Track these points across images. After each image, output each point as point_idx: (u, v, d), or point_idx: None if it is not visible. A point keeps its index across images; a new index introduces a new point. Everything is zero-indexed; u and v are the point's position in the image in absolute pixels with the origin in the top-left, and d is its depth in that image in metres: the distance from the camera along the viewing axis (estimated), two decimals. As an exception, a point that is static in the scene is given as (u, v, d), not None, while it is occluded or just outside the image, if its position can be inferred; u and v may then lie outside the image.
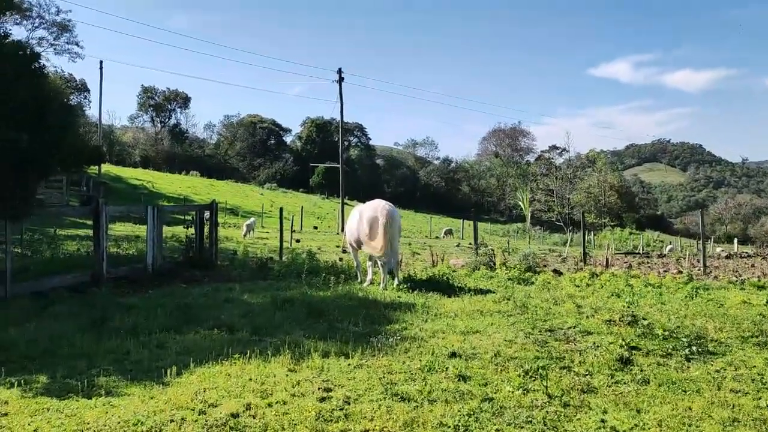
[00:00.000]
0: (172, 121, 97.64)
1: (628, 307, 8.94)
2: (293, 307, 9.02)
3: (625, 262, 22.30)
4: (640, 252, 35.60)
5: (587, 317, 8.36)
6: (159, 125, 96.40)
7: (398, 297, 10.27)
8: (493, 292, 10.78)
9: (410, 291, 11.04)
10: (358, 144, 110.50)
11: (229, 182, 77.10)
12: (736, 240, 45.54)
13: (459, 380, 5.58)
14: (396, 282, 11.65)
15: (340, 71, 40.80)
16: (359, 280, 12.71)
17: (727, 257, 32.36)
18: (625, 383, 5.53)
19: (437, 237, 44.62)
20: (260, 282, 12.65)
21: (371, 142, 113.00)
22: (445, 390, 5.28)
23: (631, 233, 62.53)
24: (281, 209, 17.14)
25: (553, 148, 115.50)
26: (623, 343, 6.64)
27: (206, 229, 15.45)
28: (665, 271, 16.75)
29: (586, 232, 49.17)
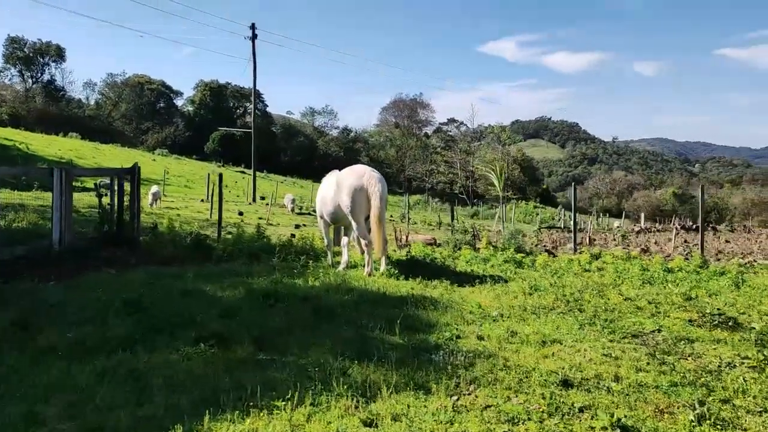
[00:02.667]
0: (46, 77, 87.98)
1: (689, 300, 7.60)
2: (286, 305, 6.86)
3: (566, 239, 21.65)
4: (562, 227, 35.75)
5: (662, 316, 6.89)
6: (30, 81, 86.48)
7: (403, 287, 8.34)
8: (511, 280, 9.16)
9: (404, 278, 9.17)
10: (256, 111, 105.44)
11: (115, 146, 70.48)
12: (642, 215, 47.26)
13: (622, 432, 3.82)
14: (383, 266, 9.71)
15: (253, 27, 37.07)
16: (329, 262, 10.64)
17: (638, 232, 33.06)
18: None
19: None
20: (208, 265, 10.25)
21: (268, 109, 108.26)
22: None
23: (535, 206, 63.93)
24: (220, 176, 14.49)
25: (452, 120, 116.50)
26: (762, 358, 5.17)
27: (118, 200, 12.62)
28: (623, 248, 15.97)
29: (505, 206, 49.25)
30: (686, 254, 13.95)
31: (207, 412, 3.89)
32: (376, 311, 6.79)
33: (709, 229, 37.85)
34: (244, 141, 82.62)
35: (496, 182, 14.20)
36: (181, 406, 4.12)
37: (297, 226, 20.15)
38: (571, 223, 43.14)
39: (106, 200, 13.00)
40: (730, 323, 6.37)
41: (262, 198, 35.91)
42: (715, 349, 5.65)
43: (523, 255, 11.53)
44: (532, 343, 5.71)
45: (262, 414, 3.96)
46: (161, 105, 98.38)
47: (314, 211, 32.56)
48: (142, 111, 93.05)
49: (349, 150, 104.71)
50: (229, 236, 14.03)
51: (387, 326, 6.12)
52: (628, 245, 17.76)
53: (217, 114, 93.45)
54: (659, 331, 6.27)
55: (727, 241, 22.42)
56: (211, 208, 22.58)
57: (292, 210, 30.69)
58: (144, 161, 62.13)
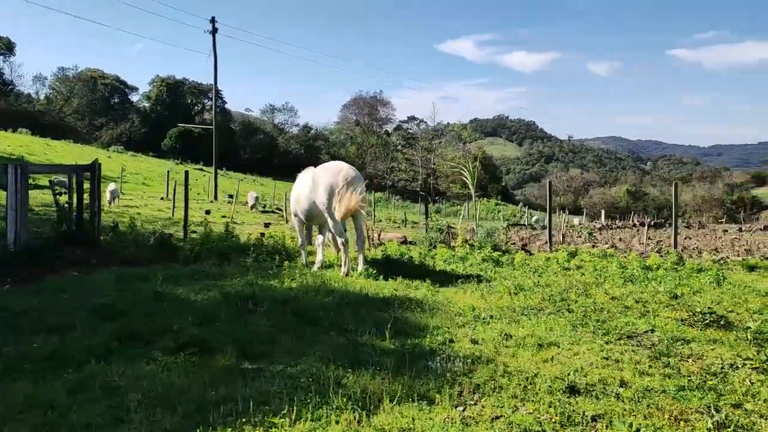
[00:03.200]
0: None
1: (675, 298, 7.53)
2: (266, 309, 6.49)
3: (534, 236, 21.71)
4: (526, 224, 35.98)
5: (653, 315, 6.78)
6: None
7: (384, 288, 8.06)
8: (493, 280, 8.98)
9: (384, 278, 8.90)
10: (216, 107, 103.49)
11: (67, 142, 68.10)
12: (603, 212, 48.04)
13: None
14: (361, 266, 9.41)
15: (213, 21, 36.11)
16: (303, 261, 10.29)
17: (600, 229, 33.53)
18: None
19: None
20: (176, 266, 9.79)
21: (227, 106, 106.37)
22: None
23: (497, 204, 64.46)
24: (186, 173, 13.92)
25: (412, 118, 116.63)
26: (764, 359, 5.07)
27: (75, 198, 11.98)
28: (592, 245, 16.02)
29: (476, 204, 49.13)
30: (656, 251, 14.06)
31: (197, 431, 3.54)
32: (361, 314, 6.49)
33: (667, 225, 38.68)
34: (203, 138, 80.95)
35: (468, 180, 14.08)
36: (165, 424, 3.76)
37: (267, 225, 19.63)
38: (533, 220, 43.47)
39: (63, 198, 12.35)
40: (721, 322, 6.29)
41: (231, 197, 34.88)
42: (713, 349, 5.53)
43: (500, 253, 11.38)
44: (528, 346, 5.50)
45: (247, 429, 3.62)
46: (115, 100, 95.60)
47: (278, 209, 32.01)
48: (95, 106, 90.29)
49: (310, 148, 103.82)
50: (194, 235, 13.52)
51: (376, 330, 5.83)
52: (596, 242, 17.87)
53: (174, 110, 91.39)
54: (653, 331, 6.14)
55: (688, 238, 22.86)
56: (173, 207, 21.86)
57: (252, 207, 29.99)
58: (99, 158, 60.35)
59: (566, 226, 35.73)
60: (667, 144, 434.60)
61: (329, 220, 9.39)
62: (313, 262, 10.26)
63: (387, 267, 9.69)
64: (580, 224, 38.68)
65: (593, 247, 15.42)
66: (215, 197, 36.14)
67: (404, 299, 7.32)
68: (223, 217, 23.28)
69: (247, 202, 31.13)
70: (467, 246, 11.75)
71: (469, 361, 5.00)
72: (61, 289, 7.29)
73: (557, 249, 12.61)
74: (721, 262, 11.10)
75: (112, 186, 24.42)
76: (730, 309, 7.01)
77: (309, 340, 5.50)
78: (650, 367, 5.02)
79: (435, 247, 11.91)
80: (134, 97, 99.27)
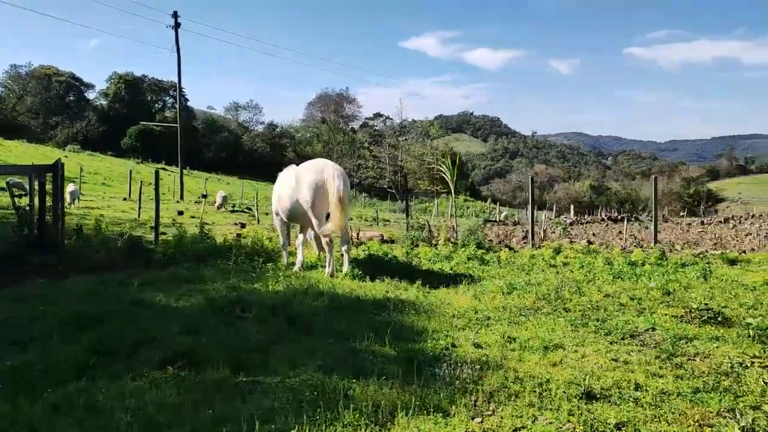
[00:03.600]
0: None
1: (668, 294, 7.44)
2: (255, 315, 6.16)
3: (510, 232, 21.69)
4: (497, 220, 36.06)
5: (649, 313, 6.65)
6: None
7: (374, 290, 7.79)
8: (483, 279, 8.80)
9: (370, 279, 8.64)
10: (175, 105, 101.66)
11: (21, 142, 65.83)
12: (572, 207, 48.55)
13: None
14: (346, 266, 9.11)
15: (175, 15, 35.14)
16: (284, 262, 9.94)
17: (571, 224, 33.81)
18: None
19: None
20: (150, 271, 9.33)
21: (189, 104, 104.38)
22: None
23: (465, 200, 64.62)
24: (157, 172, 13.37)
25: (378, 115, 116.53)
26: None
27: (37, 200, 11.38)
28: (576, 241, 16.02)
29: (454, 201, 48.99)
30: (635, 245, 14.09)
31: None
32: (355, 319, 6.21)
33: (633, 219, 39.25)
34: (165, 136, 79.22)
35: (447, 177, 13.90)
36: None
37: (242, 225, 19.08)
38: (502, 216, 43.59)
39: (24, 200, 11.72)
40: (718, 318, 6.19)
41: (204, 196, 33.89)
42: (717, 347, 5.42)
43: (484, 251, 11.21)
44: (533, 349, 5.30)
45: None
46: (71, 98, 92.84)
47: (248, 208, 31.36)
48: (49, 105, 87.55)
49: (276, 146, 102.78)
50: (165, 237, 13.01)
51: (374, 336, 5.55)
52: (572, 238, 17.91)
53: (133, 108, 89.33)
54: (653, 329, 6.01)
55: (658, 232, 23.14)
56: (139, 207, 21.16)
57: (220, 207, 29.25)
58: (54, 157, 58.41)
59: (546, 221, 36.04)
60: (626, 140, 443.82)
61: (313, 220, 9.08)
62: (293, 263, 9.92)
63: (371, 267, 9.41)
64: (551, 219, 38.94)
65: (571, 242, 15.41)
66: (181, 197, 35.28)
67: (397, 301, 7.06)
68: (192, 217, 22.64)
69: (215, 202, 30.38)
70: (450, 244, 11.55)
71: (477, 367, 4.77)
72: (30, 298, 6.82)
73: (541, 246, 12.50)
74: (701, 256, 11.14)
75: (71, 187, 23.51)
76: (723, 304, 6.94)
77: (306, 348, 5.19)
78: (660, 368, 4.86)
79: (417, 246, 11.68)
80: (91, 95, 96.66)
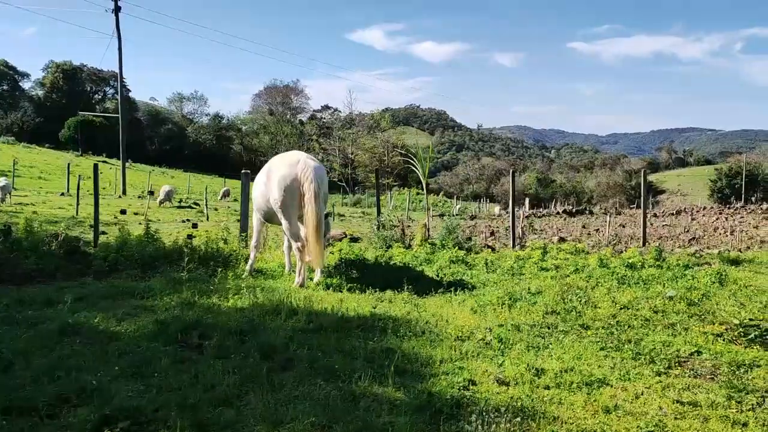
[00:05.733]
0: None
1: (692, 305, 6.56)
2: (218, 344, 4.91)
3: (473, 228, 20.84)
4: (454, 214, 35.26)
5: (682, 329, 5.74)
6: None
7: (357, 305, 6.61)
8: (476, 287, 7.77)
9: (348, 289, 7.50)
10: (116, 95, 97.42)
11: (-54, 133, 61.47)
12: (527, 200, 48.31)
13: None
14: (318, 275, 7.92)
15: (115, -3, 32.71)
16: (249, 266, 8.67)
17: (527, 217, 33.31)
18: None
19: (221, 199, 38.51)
20: (89, 281, 7.93)
21: (131, 95, 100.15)
22: None
23: (418, 193, 63.75)
24: (96, 166, 11.70)
25: (326, 107, 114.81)
26: None
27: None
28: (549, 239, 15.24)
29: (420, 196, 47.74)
30: (617, 243, 13.37)
31: None
32: (343, 345, 5.05)
33: (588, 213, 39.20)
34: (105, 128, 75.56)
35: (419, 169, 12.87)
36: None
37: (194, 225, 17.36)
38: (456, 210, 42.96)
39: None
40: (767, 337, 5.33)
41: (151, 192, 31.61)
42: (787, 377, 4.52)
43: (464, 252, 10.19)
44: (572, 386, 4.27)
45: None
46: (5, 88, 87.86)
47: (196, 203, 29.57)
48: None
49: (222, 138, 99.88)
50: (106, 239, 11.49)
51: (371, 371, 4.42)
52: (539, 234, 17.19)
53: (72, 98, 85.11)
54: (699, 353, 5.09)
55: (622, 226, 22.75)
56: (77, 203, 19.32)
57: (163, 203, 27.28)
58: (-15, 150, 54.70)
59: (488, 215, 35.46)
60: (569, 133, 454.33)
61: (283, 222, 7.85)
62: (256, 270, 8.70)
63: (345, 274, 8.26)
64: (500, 214, 38.51)
65: (544, 240, 14.60)
66: (124, 192, 33.07)
67: (387, 319, 5.93)
68: (136, 214, 20.87)
69: (158, 197, 28.35)
70: (427, 245, 10.50)
71: (511, 416, 3.69)
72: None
73: (524, 245, 11.59)
74: (697, 255, 10.43)
75: (2, 181, 21.39)
76: (760, 317, 6.08)
77: (288, 394, 4.01)
78: (739, 411, 3.90)
79: (390, 247, 10.57)
80: (26, 85, 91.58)
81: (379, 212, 12.81)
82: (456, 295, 7.20)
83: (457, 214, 34.93)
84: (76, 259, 9.29)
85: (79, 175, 23.69)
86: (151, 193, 31.26)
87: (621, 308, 6.51)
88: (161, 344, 4.88)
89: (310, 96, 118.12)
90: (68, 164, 33.07)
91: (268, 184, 7.94)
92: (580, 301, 6.70)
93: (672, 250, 11.55)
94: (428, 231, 11.67)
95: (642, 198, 12.40)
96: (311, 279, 7.93)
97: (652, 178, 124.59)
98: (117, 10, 32.79)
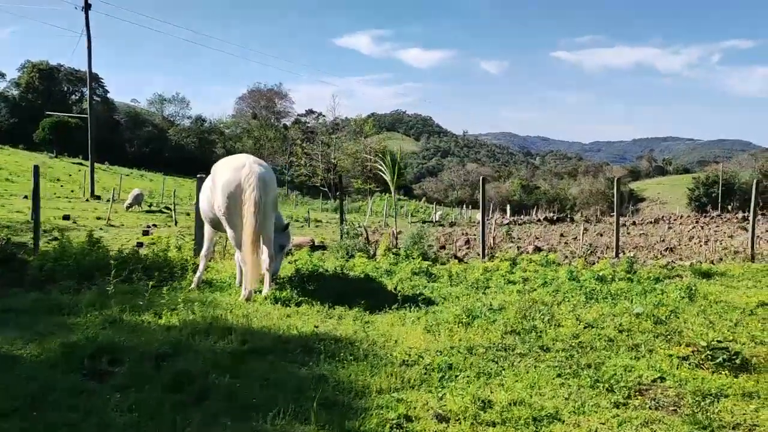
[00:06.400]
0: None
1: (659, 324, 6.12)
2: (127, 371, 4.37)
3: (448, 236, 20.38)
4: (433, 221, 34.87)
5: (646, 351, 5.28)
6: None
7: (301, 321, 6.10)
8: (433, 302, 7.27)
9: (297, 303, 6.98)
10: (94, 96, 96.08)
11: None
12: (508, 207, 48.03)
13: None
14: (266, 289, 7.38)
15: (86, -5, 31.91)
16: (197, 277, 8.11)
17: (508, 224, 33.01)
18: None
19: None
20: (17, 293, 7.32)
21: (110, 96, 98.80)
22: None
23: (399, 199, 63.34)
24: (36, 167, 11.07)
25: (310, 112, 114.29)
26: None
27: None
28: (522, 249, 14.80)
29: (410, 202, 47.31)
30: (590, 253, 13.00)
31: None
32: (272, 372, 4.53)
33: (569, 220, 38.99)
34: (82, 129, 73.91)
35: (387, 175, 12.43)
36: None
37: (146, 232, 16.41)
38: (436, 216, 42.44)
39: None
40: (737, 360, 4.89)
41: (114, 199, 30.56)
42: (757, 411, 4.07)
43: (430, 263, 9.70)
44: (518, 422, 3.79)
45: None
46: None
47: (167, 208, 28.79)
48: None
49: (204, 141, 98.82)
50: (51, 246, 10.86)
51: (295, 405, 3.90)
52: (516, 241, 16.77)
53: (48, 99, 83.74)
54: (662, 379, 4.64)
55: (600, 234, 22.44)
56: (37, 207, 18.51)
57: (130, 207, 26.44)
58: (-46, 151, 53.44)
59: (470, 221, 35.02)
60: (553, 140, 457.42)
61: (227, 230, 7.32)
62: (203, 281, 8.15)
63: (299, 286, 7.74)
64: (494, 221, 38.07)
65: (519, 249, 14.18)
66: (92, 195, 32.19)
67: (329, 339, 5.42)
68: (99, 218, 20.16)
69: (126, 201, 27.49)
70: (391, 255, 10.00)
71: (446, 463, 3.20)
72: None
73: (493, 256, 11.09)
74: (669, 267, 10.04)
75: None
76: (729, 337, 5.67)
77: (191, 436, 3.48)
78: (704, 454, 3.44)
79: (353, 257, 10.05)
80: (1, 85, 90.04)
81: (342, 220, 12.28)
82: (411, 311, 6.70)
83: (437, 221, 34.51)
84: (12, 267, 8.68)
85: (44, 176, 22.88)
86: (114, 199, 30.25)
87: (585, 327, 6.05)
88: (62, 371, 4.33)
89: (294, 100, 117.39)
90: (35, 166, 32.05)
91: (213, 190, 7.41)
92: (543, 319, 6.23)
93: (644, 261, 11.15)
94: (395, 239, 11.17)
95: (616, 207, 12.02)
96: (260, 291, 7.39)
97: (633, 186, 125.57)
98: (87, 7, 32.01)
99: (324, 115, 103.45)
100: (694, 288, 7.52)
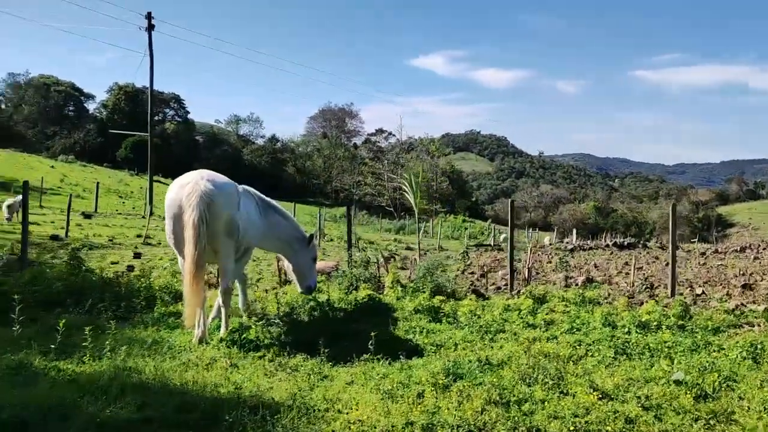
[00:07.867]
0: (-67, 73, 79.89)
1: (702, 399, 4.59)
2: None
3: (498, 262, 18.81)
4: (491, 244, 33.18)
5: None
6: None
7: (236, 377, 4.97)
8: (420, 353, 5.98)
9: (255, 347, 5.86)
10: (175, 117, 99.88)
11: (9, 151, 63.62)
12: (574, 231, 45.57)
13: None
14: (224, 329, 6.28)
15: (149, 16, 32.60)
16: (209, 318, 7.03)
17: (572, 250, 30.89)
18: None
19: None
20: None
21: (190, 116, 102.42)
22: None
23: (464, 220, 61.55)
24: (26, 183, 10.44)
25: (380, 131, 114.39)
26: None
27: None
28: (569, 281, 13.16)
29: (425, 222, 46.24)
30: (646, 288, 11.25)
31: None
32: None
33: (641, 246, 36.31)
34: (161, 148, 76.89)
35: (410, 195, 11.33)
36: None
37: (136, 255, 14.17)
38: (501, 239, 40.57)
39: None
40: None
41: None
42: None
43: (442, 298, 8.31)
44: None
45: None
46: (70, 108, 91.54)
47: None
48: (47, 114, 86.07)
49: (276, 160, 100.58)
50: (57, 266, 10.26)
51: None
52: (568, 272, 15.07)
53: (132, 119, 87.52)
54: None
55: (667, 264, 20.22)
56: (25, 224, 18.46)
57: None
58: (39, 167, 56.23)
59: (537, 246, 33.08)
60: (634, 161, 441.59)
61: (179, 257, 6.31)
62: (171, 313, 7.16)
63: (276, 325, 6.63)
64: (550, 243, 35.96)
65: (567, 279, 12.55)
66: (151, 212, 32.49)
67: (252, 404, 4.24)
68: (138, 236, 19.89)
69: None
70: (399, 288, 8.73)
71: None
72: None
73: (520, 292, 9.54)
74: (737, 313, 8.21)
75: (9, 200, 20.92)
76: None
77: None
78: None
79: (357, 288, 8.84)
80: (91, 106, 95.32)
81: (350, 246, 11.06)
82: (382, 365, 5.42)
83: (495, 245, 32.82)
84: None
85: (118, 193, 23.01)
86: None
87: (601, 397, 4.59)
88: None
89: (364, 120, 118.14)
90: (97, 183, 32.81)
91: (167, 213, 6.37)
92: (546, 385, 4.82)
93: (709, 302, 9.31)
94: (413, 268, 9.89)
95: (671, 235, 10.22)
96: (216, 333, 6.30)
97: (721, 210, 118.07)
98: (150, 28, 32.62)
99: (393, 134, 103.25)
100: (761, 346, 5.81)
